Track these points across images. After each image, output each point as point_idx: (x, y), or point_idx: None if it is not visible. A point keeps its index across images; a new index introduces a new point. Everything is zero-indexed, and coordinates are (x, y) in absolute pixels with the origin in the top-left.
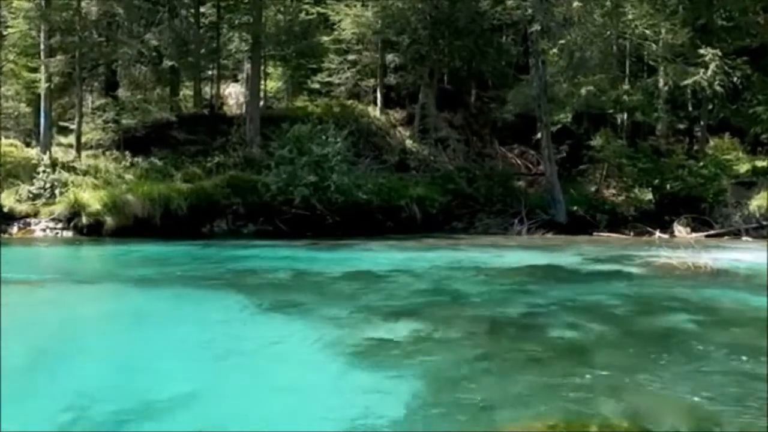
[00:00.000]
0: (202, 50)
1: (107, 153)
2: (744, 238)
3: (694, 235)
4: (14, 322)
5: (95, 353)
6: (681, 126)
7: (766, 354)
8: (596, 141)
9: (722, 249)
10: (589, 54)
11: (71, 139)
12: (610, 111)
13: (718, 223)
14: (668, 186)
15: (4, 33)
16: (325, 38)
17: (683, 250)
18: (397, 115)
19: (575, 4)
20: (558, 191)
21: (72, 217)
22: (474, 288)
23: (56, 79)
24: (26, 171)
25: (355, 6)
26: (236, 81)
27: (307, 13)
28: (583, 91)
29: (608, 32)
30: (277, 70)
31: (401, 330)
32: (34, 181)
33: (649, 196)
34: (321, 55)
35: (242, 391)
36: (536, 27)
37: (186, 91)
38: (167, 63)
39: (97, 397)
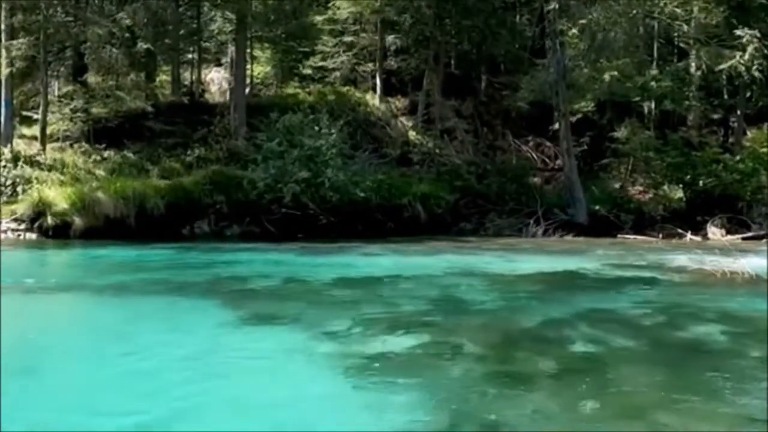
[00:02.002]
0: (181, 31)
1: (75, 146)
2: None
3: (729, 237)
4: None
5: (59, 369)
6: (715, 116)
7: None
8: (621, 132)
9: (761, 253)
10: (612, 35)
11: (35, 130)
12: (636, 99)
13: (756, 224)
14: (701, 183)
15: None
16: (318, 18)
17: (717, 254)
18: (398, 103)
19: None
20: (578, 188)
21: (36, 217)
22: (485, 297)
23: (18, 64)
24: None
25: None
26: (219, 65)
27: None
28: (606, 76)
29: (634, 11)
30: (264, 53)
31: (403, 343)
32: None
33: (680, 193)
34: (314, 36)
35: (224, 411)
36: (554, 5)
37: (163, 77)
38: (142, 45)
39: (68, 416)
